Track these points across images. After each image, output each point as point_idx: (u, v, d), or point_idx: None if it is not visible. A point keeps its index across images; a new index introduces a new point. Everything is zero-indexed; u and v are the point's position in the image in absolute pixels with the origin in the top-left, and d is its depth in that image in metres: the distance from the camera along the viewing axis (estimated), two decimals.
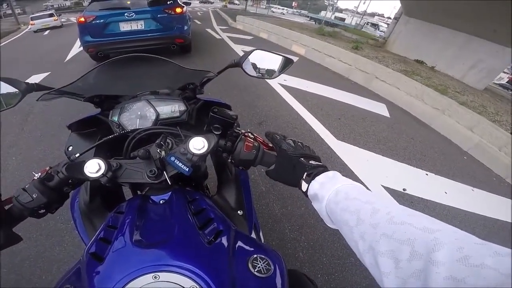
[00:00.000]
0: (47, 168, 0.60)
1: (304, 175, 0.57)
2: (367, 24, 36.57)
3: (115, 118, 0.81)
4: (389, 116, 4.27)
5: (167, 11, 5.36)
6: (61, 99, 0.79)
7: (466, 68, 10.67)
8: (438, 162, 3.22)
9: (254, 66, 0.90)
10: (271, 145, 0.69)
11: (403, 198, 2.45)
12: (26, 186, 0.56)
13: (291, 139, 0.66)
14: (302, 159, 0.60)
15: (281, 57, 0.91)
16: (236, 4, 45.12)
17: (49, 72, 5.48)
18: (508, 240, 2.21)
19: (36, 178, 0.58)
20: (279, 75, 0.93)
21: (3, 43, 12.48)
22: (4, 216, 0.53)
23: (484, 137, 3.62)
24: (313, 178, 0.54)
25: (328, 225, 0.51)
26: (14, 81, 0.70)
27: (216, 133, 0.72)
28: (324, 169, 0.56)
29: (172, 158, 0.58)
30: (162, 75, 0.93)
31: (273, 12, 46.98)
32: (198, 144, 0.58)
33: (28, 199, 0.54)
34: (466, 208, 2.48)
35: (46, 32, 15.94)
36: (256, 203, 2.14)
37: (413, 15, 12.41)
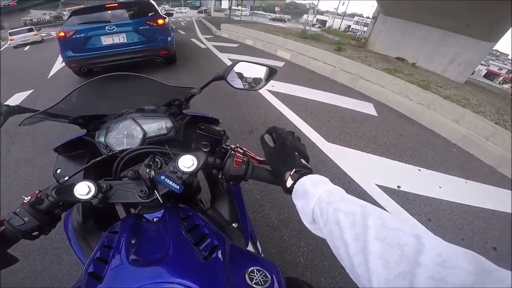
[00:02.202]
0: (37, 192, 0.60)
1: (292, 171, 0.56)
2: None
3: (102, 139, 0.80)
4: (376, 115, 4.34)
5: (148, 22, 5.31)
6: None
7: (445, 62, 11.02)
8: (429, 157, 3.27)
9: (239, 78, 0.90)
10: (261, 158, 0.70)
11: (398, 195, 2.46)
12: (17, 210, 0.56)
13: (291, 131, 0.67)
14: (297, 153, 0.61)
15: (265, 67, 0.91)
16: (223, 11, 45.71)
17: (32, 90, 5.34)
18: (508, 231, 2.25)
19: (26, 201, 0.57)
20: (264, 85, 0.93)
21: None
22: None
23: (471, 129, 3.73)
24: (302, 175, 0.55)
25: (306, 224, 0.52)
26: None
27: (204, 150, 0.72)
28: (311, 172, 0.57)
29: (162, 177, 0.58)
30: (146, 92, 0.93)
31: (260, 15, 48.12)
32: (187, 162, 0.58)
33: (19, 222, 0.55)
34: (462, 201, 2.52)
35: (27, 48, 15.65)
36: (252, 212, 2.12)
37: (390, 13, 12.78)
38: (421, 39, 11.54)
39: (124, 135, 0.80)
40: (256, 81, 0.93)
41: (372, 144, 3.34)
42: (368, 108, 4.56)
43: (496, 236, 2.20)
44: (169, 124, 0.84)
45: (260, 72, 0.92)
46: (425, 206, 2.39)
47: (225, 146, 0.73)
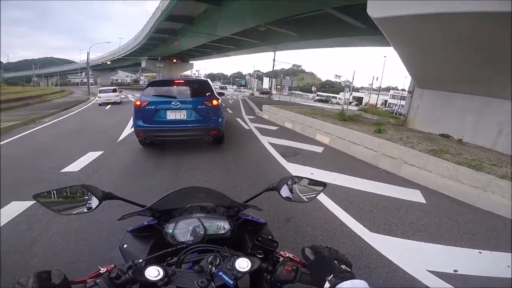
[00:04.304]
0: (112, 266, 0.73)
1: (331, 276, 0.63)
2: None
3: (170, 230, 0.96)
4: (425, 202, 4.14)
5: (205, 102, 5.75)
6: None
7: (493, 134, 9.99)
8: (491, 238, 3.04)
9: (290, 190, 1.05)
10: (304, 261, 0.80)
11: (455, 279, 2.32)
12: (98, 281, 0.67)
13: (328, 247, 0.78)
14: (336, 261, 0.69)
15: (315, 181, 1.09)
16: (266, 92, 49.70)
17: (102, 151, 6.09)
18: None
19: (102, 272, 0.71)
20: (313, 199, 1.08)
21: (76, 111, 15.33)
22: None
23: None
24: (341, 280, 0.60)
25: None
26: (93, 188, 0.90)
27: (259, 256, 0.82)
28: (352, 276, 0.64)
29: (220, 273, 0.69)
30: (211, 195, 1.11)
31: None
32: (243, 264, 0.69)
33: None
34: None
35: (108, 107, 18.23)
36: None
37: (426, 86, 12.53)
38: (462, 109, 10.92)
39: (189, 230, 0.97)
40: (306, 193, 1.07)
41: (421, 232, 3.18)
42: (415, 196, 4.36)
43: None
44: (227, 225, 1.01)
45: (310, 184, 1.08)
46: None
47: (277, 256, 0.85)
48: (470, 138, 9.97)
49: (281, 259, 0.82)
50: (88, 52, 37.94)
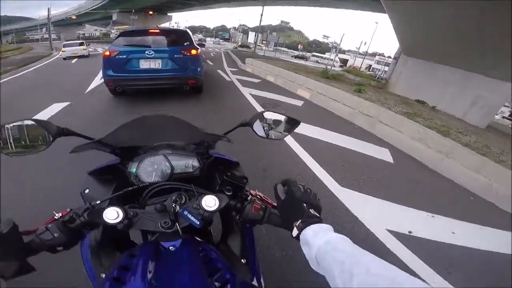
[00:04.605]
0: (68, 210, 0.66)
1: (298, 222, 0.62)
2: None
3: (133, 170, 0.89)
4: (392, 162, 4.31)
5: (183, 52, 5.59)
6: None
7: (467, 105, 10.68)
8: (444, 204, 3.23)
9: (263, 126, 1.00)
10: (275, 203, 0.76)
11: (408, 240, 2.46)
12: (49, 226, 0.60)
13: (302, 185, 0.73)
14: (305, 205, 0.66)
15: (289, 118, 0.99)
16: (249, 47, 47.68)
17: (69, 102, 5.72)
18: None
19: (57, 218, 0.64)
20: (286, 136, 1.02)
21: (36, 66, 13.85)
22: (23, 248, 0.57)
23: (491, 179, 3.63)
24: (307, 226, 0.60)
25: (314, 268, 0.57)
26: (46, 123, 0.78)
27: (227, 194, 0.78)
28: (319, 220, 0.62)
29: (185, 213, 0.65)
30: (178, 130, 1.01)
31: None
32: (210, 202, 0.65)
33: (49, 237, 0.59)
34: (476, 246, 2.50)
35: (74, 60, 17.04)
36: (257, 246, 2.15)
37: (412, 54, 12.76)
38: (443, 80, 11.41)
39: (154, 168, 0.89)
40: (279, 131, 1.01)
41: (386, 191, 3.33)
42: (385, 155, 4.53)
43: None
44: (195, 163, 0.94)
45: (284, 122, 1.00)
46: (436, 251, 2.38)
47: (247, 193, 0.79)
48: (444, 107, 10.52)
49: (250, 197, 0.77)
50: (49, 8, 35.07)
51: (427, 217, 2.92)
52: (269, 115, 1.00)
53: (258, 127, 0.98)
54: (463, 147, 4.37)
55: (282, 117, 1.00)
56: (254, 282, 0.81)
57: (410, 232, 2.57)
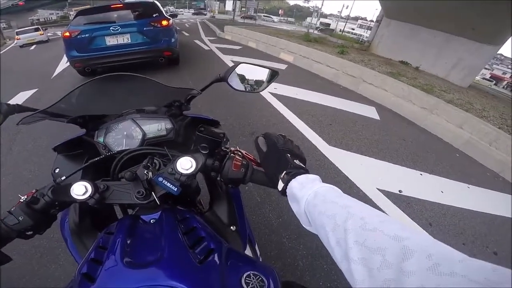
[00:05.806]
0: (34, 191, 0.59)
1: (283, 174, 0.55)
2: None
3: (101, 139, 0.80)
4: (379, 119, 4.33)
5: (153, 24, 5.36)
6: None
7: (449, 66, 10.95)
8: (431, 161, 3.25)
9: (240, 80, 0.89)
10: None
11: (399, 200, 2.44)
12: (12, 209, 0.56)
13: (282, 135, 0.66)
14: (289, 155, 0.59)
15: (267, 69, 0.90)
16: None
17: (36, 89, 5.38)
18: (508, 236, 2.23)
19: (22, 200, 0.57)
20: (265, 88, 0.92)
21: None
22: None
23: (474, 134, 3.70)
24: (292, 178, 0.53)
25: (305, 226, 0.51)
26: None
27: (203, 152, 0.69)
28: (305, 171, 0.56)
29: (160, 179, 0.58)
30: (146, 93, 0.92)
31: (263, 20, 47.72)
32: (185, 164, 0.58)
33: (14, 221, 0.54)
34: (464, 206, 2.50)
35: (33, 47, 15.85)
36: (251, 214, 2.11)
37: (394, 17, 12.75)
38: (425, 43, 11.49)
39: (124, 135, 0.80)
40: (258, 83, 0.92)
41: (374, 148, 3.32)
42: (371, 112, 4.55)
43: (497, 241, 2.18)
44: (168, 125, 0.84)
45: (261, 74, 0.91)
46: (426, 211, 2.37)
47: (225, 149, 0.72)
48: (427, 67, 10.76)
49: (230, 154, 0.69)
50: None
51: (415, 175, 2.92)
52: (245, 67, 0.89)
53: (234, 80, 0.87)
54: (446, 103, 4.41)
55: (259, 69, 0.90)
56: (247, 251, 0.76)
57: (400, 191, 2.55)
